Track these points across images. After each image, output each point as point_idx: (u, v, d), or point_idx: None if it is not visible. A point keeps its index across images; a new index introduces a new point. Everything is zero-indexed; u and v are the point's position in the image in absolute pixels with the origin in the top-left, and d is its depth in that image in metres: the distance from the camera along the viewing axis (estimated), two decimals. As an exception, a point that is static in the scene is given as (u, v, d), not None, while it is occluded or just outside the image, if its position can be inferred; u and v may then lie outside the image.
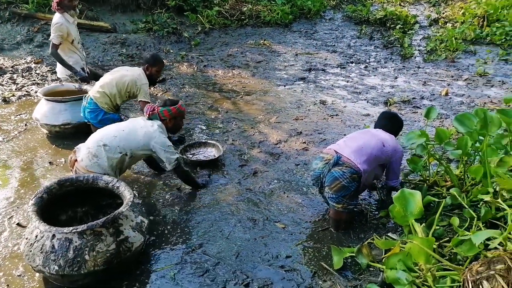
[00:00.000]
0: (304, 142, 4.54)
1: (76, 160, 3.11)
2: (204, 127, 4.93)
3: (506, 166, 2.65)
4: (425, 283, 2.25)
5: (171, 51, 8.16)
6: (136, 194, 2.59)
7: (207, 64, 7.53)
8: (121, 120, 3.96)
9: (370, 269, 2.65)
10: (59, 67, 4.78)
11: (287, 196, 3.53)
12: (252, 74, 7.08)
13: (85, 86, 4.64)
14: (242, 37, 9.42)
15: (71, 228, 2.33)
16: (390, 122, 3.32)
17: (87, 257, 2.33)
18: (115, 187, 2.74)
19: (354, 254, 2.68)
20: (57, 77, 5.11)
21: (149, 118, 3.32)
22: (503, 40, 8.46)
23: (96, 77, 5.04)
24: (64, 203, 2.86)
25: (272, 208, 3.36)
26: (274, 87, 6.45)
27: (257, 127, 4.94)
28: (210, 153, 4.26)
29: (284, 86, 6.50)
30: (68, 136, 4.36)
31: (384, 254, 2.68)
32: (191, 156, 4.18)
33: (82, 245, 2.33)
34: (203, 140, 4.46)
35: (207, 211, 3.28)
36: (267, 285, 2.53)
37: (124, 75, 4.00)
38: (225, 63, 7.65)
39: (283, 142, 4.57)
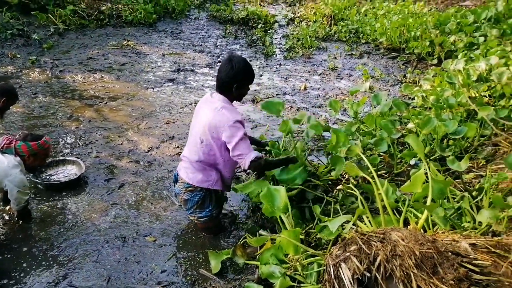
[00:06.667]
0: (178, 147, 4.43)
1: None
2: (63, 141, 4.44)
3: (353, 155, 2.98)
4: (296, 272, 2.39)
5: (18, 55, 7.17)
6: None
7: (63, 69, 6.82)
8: None
9: (248, 267, 2.71)
10: None
11: (155, 207, 3.39)
12: (117, 77, 6.66)
13: None
14: (103, 38, 8.78)
15: None
16: (227, 77, 2.60)
17: None
18: None
19: (231, 256, 2.72)
20: None
21: (3, 152, 2.87)
22: (347, 37, 9.56)
23: None
24: None
25: (140, 222, 3.19)
26: (141, 90, 6.17)
27: (125, 135, 4.66)
28: (70, 171, 3.79)
29: (153, 88, 6.27)
30: None
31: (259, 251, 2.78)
32: (47, 177, 3.67)
33: None
34: (61, 158, 3.96)
35: (70, 235, 2.96)
36: (144, 305, 2.40)
37: None
38: (84, 67, 7.03)
39: (155, 148, 4.40)
